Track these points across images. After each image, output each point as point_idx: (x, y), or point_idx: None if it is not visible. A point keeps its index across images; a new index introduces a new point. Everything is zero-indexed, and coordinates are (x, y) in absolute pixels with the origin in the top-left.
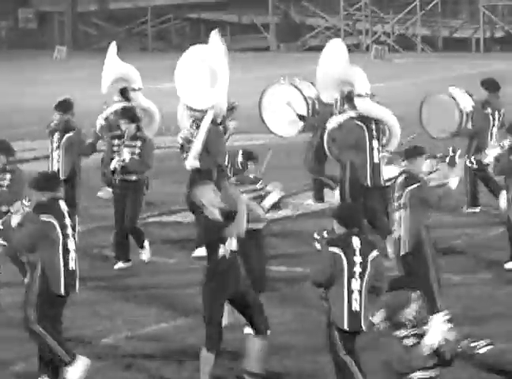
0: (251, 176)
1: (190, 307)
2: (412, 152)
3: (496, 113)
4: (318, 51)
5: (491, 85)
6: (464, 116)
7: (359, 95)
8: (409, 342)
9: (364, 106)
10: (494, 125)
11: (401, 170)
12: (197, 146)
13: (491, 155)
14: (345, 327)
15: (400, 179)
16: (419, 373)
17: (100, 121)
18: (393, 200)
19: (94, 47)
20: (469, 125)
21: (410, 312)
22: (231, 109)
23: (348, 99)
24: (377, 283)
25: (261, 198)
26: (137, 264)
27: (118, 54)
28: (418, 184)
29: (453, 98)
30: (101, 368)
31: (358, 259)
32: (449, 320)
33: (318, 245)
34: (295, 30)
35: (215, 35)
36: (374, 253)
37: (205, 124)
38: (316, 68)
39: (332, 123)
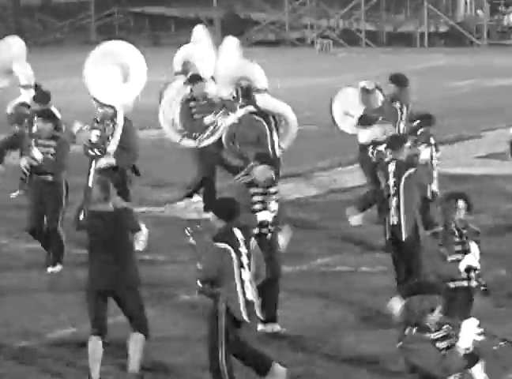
0: (264, 179)
1: None
2: (396, 142)
3: (404, 107)
4: (263, 46)
5: (400, 80)
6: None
7: (258, 91)
8: (442, 345)
9: (263, 101)
10: (402, 120)
11: (389, 159)
12: (113, 144)
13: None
14: (244, 317)
15: (391, 167)
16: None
17: (9, 110)
18: (387, 187)
19: (38, 41)
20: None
21: (436, 315)
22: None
23: (246, 93)
24: (257, 270)
25: (267, 202)
26: (82, 258)
27: (62, 47)
28: (414, 169)
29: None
30: (43, 363)
31: (243, 250)
32: (478, 325)
33: (191, 240)
34: (240, 25)
35: (200, 30)
36: (253, 241)
37: (120, 121)
38: (263, 61)
39: (230, 119)
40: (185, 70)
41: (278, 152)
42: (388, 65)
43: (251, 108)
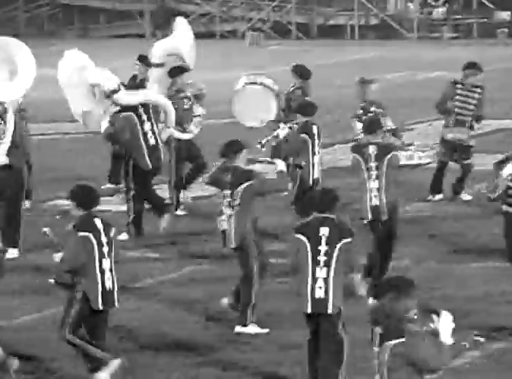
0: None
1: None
2: (373, 126)
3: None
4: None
5: (303, 72)
6: (280, 101)
7: (114, 91)
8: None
9: (121, 98)
10: None
11: (367, 142)
12: (6, 142)
13: (280, 135)
14: (99, 306)
15: (371, 150)
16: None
17: None
18: (367, 170)
19: None
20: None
21: (412, 313)
22: (198, 95)
23: (107, 97)
24: (116, 257)
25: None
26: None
27: None
28: (393, 153)
29: (265, 86)
30: None
31: (104, 239)
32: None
33: (47, 232)
34: (171, 17)
35: (181, 22)
36: (114, 230)
37: (11, 119)
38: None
39: (103, 125)
40: (168, 62)
41: (153, 141)
42: (319, 58)
43: (116, 108)
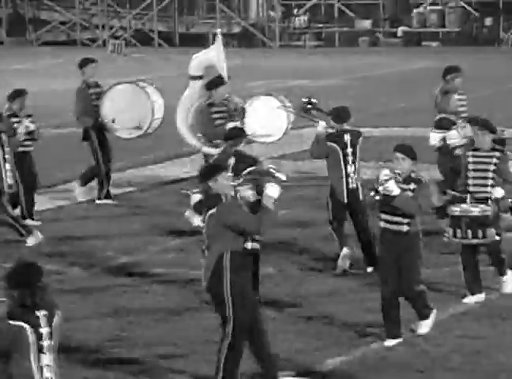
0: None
1: None
2: (343, 114)
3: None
4: (53, 46)
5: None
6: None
7: None
8: None
9: None
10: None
11: (336, 128)
12: None
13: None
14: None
15: (347, 138)
16: None
17: None
18: (344, 156)
19: None
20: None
21: None
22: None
23: None
24: None
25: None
26: None
27: None
28: (362, 137)
29: (143, 89)
30: None
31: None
32: None
33: None
34: (25, 24)
35: (218, 37)
36: None
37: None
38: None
39: None
40: (206, 74)
41: None
42: (182, 66)
43: None
